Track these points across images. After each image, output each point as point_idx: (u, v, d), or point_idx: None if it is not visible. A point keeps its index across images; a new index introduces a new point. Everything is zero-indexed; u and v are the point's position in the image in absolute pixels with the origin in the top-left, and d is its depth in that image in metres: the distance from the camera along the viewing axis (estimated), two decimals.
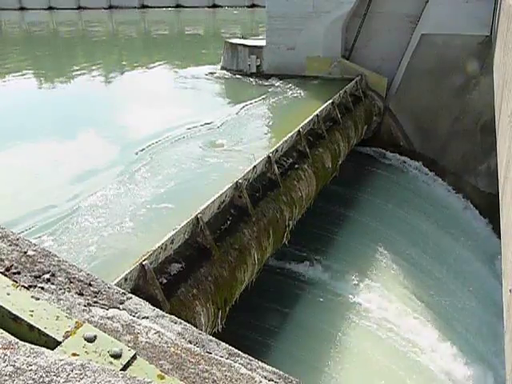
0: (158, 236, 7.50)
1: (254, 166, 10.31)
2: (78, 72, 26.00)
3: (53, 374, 1.33)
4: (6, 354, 1.37)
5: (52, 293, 2.07)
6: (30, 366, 1.34)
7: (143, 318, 2.08)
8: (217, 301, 7.97)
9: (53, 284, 2.12)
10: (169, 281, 7.45)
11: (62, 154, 12.79)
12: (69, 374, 1.32)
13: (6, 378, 1.28)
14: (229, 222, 9.27)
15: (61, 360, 1.37)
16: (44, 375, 1.32)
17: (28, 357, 1.37)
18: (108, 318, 2.00)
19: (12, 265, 2.15)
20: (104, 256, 7.60)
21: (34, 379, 1.29)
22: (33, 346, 1.44)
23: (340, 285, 12.01)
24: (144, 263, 6.78)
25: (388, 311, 11.48)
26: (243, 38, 23.56)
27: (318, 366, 10.07)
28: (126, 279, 6.50)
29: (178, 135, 13.40)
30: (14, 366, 1.33)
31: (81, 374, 1.33)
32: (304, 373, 9.46)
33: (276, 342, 10.46)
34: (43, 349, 1.45)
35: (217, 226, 8.96)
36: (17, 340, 1.48)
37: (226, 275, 8.33)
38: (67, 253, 7.58)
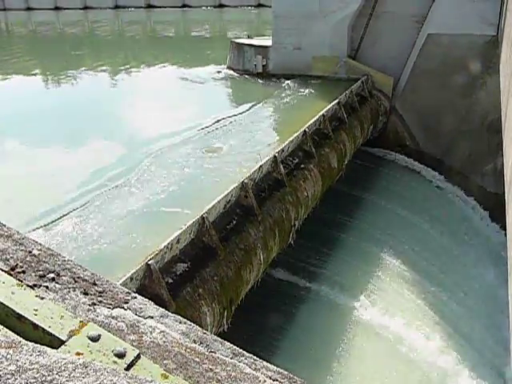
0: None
1: (260, 166, 10.30)
2: (84, 71, 26.09)
3: (55, 372, 1.32)
4: (8, 353, 1.37)
5: (57, 292, 2.07)
6: (33, 364, 1.33)
7: (148, 317, 2.08)
8: (222, 300, 7.98)
9: (57, 283, 2.13)
10: (174, 280, 7.46)
11: (68, 154, 12.82)
12: (71, 372, 1.32)
13: (9, 376, 1.28)
14: (234, 222, 9.27)
15: (63, 359, 1.37)
16: (46, 374, 1.31)
17: (30, 355, 1.37)
18: (113, 318, 2.00)
19: (17, 264, 2.15)
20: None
21: (36, 378, 1.29)
22: (35, 345, 1.45)
23: (345, 290, 11.92)
24: (150, 263, 6.79)
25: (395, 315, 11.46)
26: (249, 37, 23.55)
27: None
28: (131, 279, 6.51)
29: (185, 136, 13.40)
30: (16, 364, 1.33)
31: (83, 372, 1.33)
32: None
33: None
34: (46, 348, 1.45)
35: (222, 226, 8.96)
36: (20, 339, 1.48)
37: (232, 275, 8.33)
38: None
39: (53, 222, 8.70)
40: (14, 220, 7.85)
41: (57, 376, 1.30)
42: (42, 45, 41.77)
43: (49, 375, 1.30)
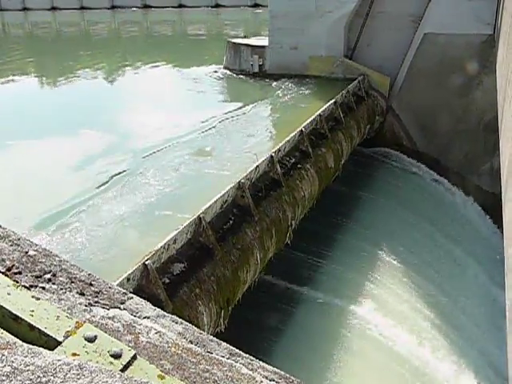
0: None
1: (257, 166, 10.30)
2: (81, 72, 26.03)
3: (50, 374, 1.32)
4: (3, 355, 1.37)
5: (53, 293, 2.07)
6: (28, 366, 1.33)
7: (144, 317, 2.08)
8: (219, 300, 7.97)
9: (54, 284, 2.12)
10: (171, 281, 7.45)
11: (64, 154, 12.76)
12: (66, 374, 1.32)
13: (4, 378, 1.28)
14: (231, 222, 9.26)
15: (58, 360, 1.37)
16: (41, 375, 1.31)
17: (26, 357, 1.37)
18: (109, 318, 2.00)
19: (13, 265, 2.15)
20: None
21: (31, 379, 1.29)
22: (31, 346, 1.44)
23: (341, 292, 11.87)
24: (147, 263, 6.78)
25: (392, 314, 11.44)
26: (246, 37, 23.55)
27: None
28: (128, 279, 6.50)
29: (179, 136, 13.34)
30: (11, 366, 1.33)
31: (78, 374, 1.33)
32: None
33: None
34: (41, 349, 1.45)
35: (219, 226, 8.95)
36: (15, 340, 1.48)
37: (229, 275, 8.32)
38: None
39: (43, 224, 8.60)
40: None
41: (52, 377, 1.30)
42: (38, 45, 41.69)
43: (44, 376, 1.30)
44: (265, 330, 10.58)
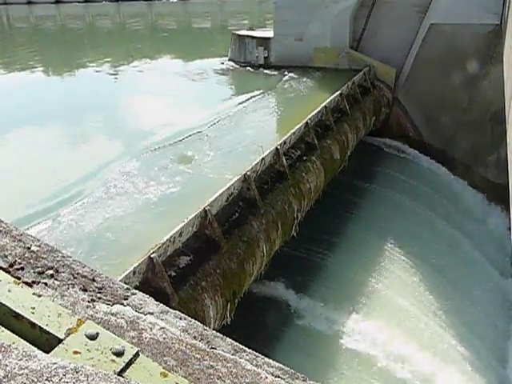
0: None
1: (262, 158, 10.26)
2: (86, 65, 26.01)
3: (45, 378, 1.30)
4: None
5: (55, 289, 2.05)
6: (22, 369, 1.31)
7: (147, 313, 2.06)
8: (225, 293, 7.96)
9: (56, 280, 2.10)
10: (177, 274, 7.45)
11: (65, 148, 12.77)
12: (61, 378, 1.29)
13: None
14: (237, 215, 9.25)
15: (54, 364, 1.34)
16: (36, 379, 1.29)
17: (20, 360, 1.34)
18: (112, 314, 1.98)
19: (15, 261, 2.13)
20: None
21: None
22: (25, 349, 1.42)
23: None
24: (152, 256, 6.77)
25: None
26: (251, 29, 23.47)
27: None
28: (134, 272, 6.49)
29: (184, 130, 13.28)
30: (5, 370, 1.30)
31: (74, 377, 1.30)
32: None
33: None
34: (37, 352, 1.43)
35: (225, 219, 8.93)
36: (9, 343, 1.45)
37: (235, 268, 8.31)
38: None
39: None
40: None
41: (46, 382, 1.27)
42: (43, 38, 41.66)
43: (38, 381, 1.28)
44: None
